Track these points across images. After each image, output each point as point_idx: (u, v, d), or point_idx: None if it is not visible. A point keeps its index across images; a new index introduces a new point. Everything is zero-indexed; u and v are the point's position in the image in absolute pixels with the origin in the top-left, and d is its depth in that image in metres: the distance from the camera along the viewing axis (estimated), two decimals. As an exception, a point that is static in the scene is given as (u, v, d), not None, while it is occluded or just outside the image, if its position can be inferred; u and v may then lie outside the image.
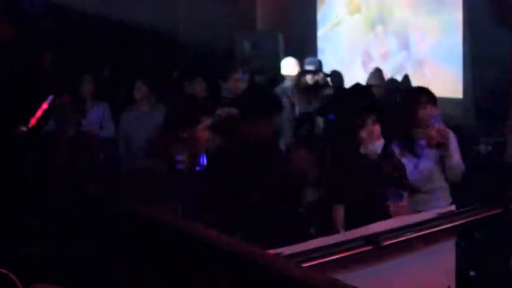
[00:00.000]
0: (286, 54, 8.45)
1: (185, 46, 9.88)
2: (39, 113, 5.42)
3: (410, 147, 4.37)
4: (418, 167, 4.34)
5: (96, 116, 6.69)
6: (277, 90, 6.79)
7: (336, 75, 7.99)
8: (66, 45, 8.29)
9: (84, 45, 8.54)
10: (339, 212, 3.77)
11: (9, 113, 5.43)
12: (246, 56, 9.22)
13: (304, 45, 10.60)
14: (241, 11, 10.36)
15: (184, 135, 3.63)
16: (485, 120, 7.07)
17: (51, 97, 5.24)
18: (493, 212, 3.41)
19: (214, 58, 8.75)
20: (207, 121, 3.72)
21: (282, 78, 7.40)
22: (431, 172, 4.38)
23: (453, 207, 3.41)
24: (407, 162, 4.25)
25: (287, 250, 2.56)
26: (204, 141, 3.72)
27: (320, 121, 5.64)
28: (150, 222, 2.54)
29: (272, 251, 2.43)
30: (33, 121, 5.50)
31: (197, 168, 3.72)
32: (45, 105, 5.33)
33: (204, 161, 3.80)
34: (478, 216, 3.32)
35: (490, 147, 6.28)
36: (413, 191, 4.27)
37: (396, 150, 4.25)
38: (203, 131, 3.69)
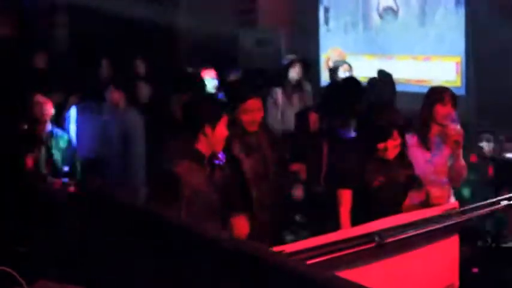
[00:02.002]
0: (288, 52, 8.42)
1: (186, 44, 9.85)
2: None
3: (425, 141, 4.45)
4: (432, 161, 4.42)
5: None
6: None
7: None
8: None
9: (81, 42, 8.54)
10: (345, 197, 3.80)
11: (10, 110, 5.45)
12: (248, 54, 9.17)
13: (307, 42, 10.55)
14: (243, 8, 10.31)
15: (207, 132, 3.67)
16: (488, 117, 7.05)
17: None
18: (496, 209, 3.40)
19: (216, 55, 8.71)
20: (225, 118, 3.75)
21: None
22: (443, 167, 4.43)
23: (456, 204, 3.40)
24: (420, 155, 4.35)
25: (289, 247, 2.55)
26: (223, 138, 3.75)
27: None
28: (156, 220, 2.53)
29: (275, 248, 2.42)
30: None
31: (216, 162, 3.78)
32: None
33: (222, 157, 3.88)
34: (481, 213, 3.31)
35: (492, 145, 6.28)
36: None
37: (411, 141, 4.30)
38: (224, 128, 3.72)
